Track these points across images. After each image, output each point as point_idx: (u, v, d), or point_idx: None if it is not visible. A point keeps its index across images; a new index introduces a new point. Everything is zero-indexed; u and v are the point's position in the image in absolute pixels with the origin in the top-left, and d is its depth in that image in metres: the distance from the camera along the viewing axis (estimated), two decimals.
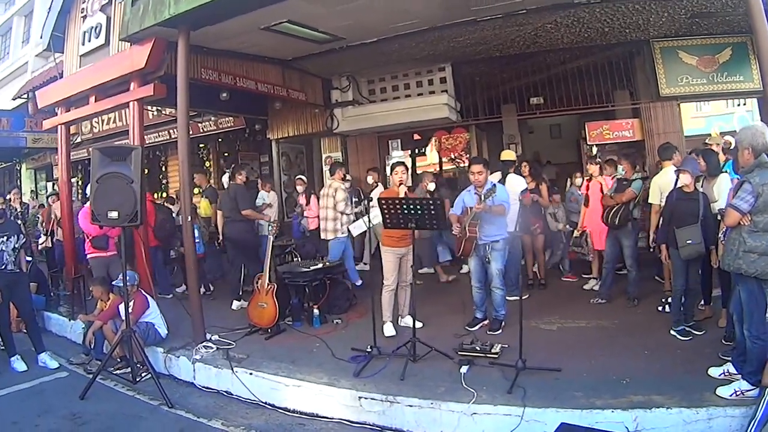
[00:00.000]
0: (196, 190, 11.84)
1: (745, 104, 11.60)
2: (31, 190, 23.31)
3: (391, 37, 10.26)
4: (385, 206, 6.69)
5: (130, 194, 6.73)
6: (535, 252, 9.91)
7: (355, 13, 8.69)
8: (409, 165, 15.01)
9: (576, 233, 9.61)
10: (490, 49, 11.65)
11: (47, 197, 12.96)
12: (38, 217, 13.04)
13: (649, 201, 8.15)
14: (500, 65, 12.91)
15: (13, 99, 19.61)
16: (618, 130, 12.30)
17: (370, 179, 11.36)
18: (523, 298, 7.28)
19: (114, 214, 6.75)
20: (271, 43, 9.98)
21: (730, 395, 5.06)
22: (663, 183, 7.71)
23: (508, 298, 7.80)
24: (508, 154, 9.42)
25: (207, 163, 17.91)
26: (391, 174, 7.88)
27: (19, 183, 23.38)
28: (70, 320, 9.49)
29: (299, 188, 11.84)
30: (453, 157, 14.15)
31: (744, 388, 5.06)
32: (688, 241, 6.55)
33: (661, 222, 7.46)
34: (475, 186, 7.56)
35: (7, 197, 14.11)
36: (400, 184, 7.72)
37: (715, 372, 5.54)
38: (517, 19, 9.69)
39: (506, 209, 7.39)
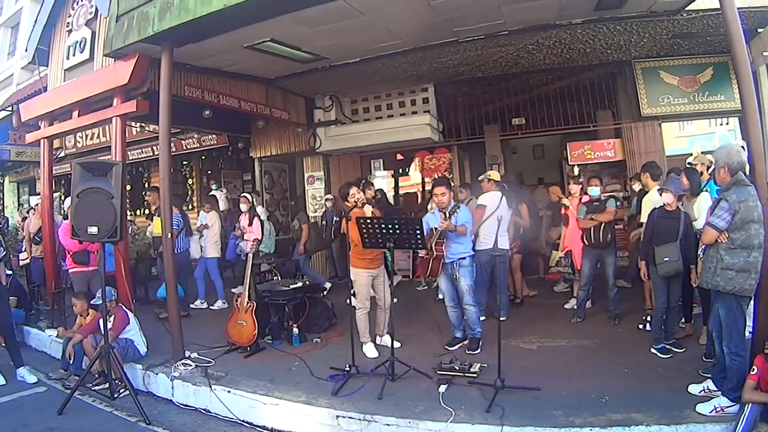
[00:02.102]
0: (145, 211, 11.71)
1: (727, 124, 11.65)
2: (13, 203, 23.18)
3: (374, 57, 10.28)
4: (363, 226, 6.70)
5: (110, 210, 6.71)
6: (511, 271, 9.93)
7: (338, 33, 8.71)
8: (393, 185, 15.10)
9: (560, 254, 9.66)
10: (472, 69, 11.73)
11: (27, 212, 12.82)
12: (19, 232, 12.87)
13: (642, 220, 8.19)
14: (482, 86, 12.98)
15: None
16: (600, 150, 12.38)
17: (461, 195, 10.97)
18: (502, 319, 7.30)
19: (94, 230, 6.72)
20: (255, 61, 10.00)
21: (710, 412, 5.10)
22: (656, 201, 7.73)
23: (502, 319, 7.85)
24: (493, 175, 9.46)
25: (190, 181, 17.88)
26: (346, 200, 7.96)
27: (1, 196, 23.19)
28: (47, 333, 9.48)
29: (243, 206, 11.29)
30: (436, 177, 14.09)
31: (724, 405, 5.11)
32: (665, 259, 6.64)
33: (642, 239, 7.49)
34: (439, 208, 7.64)
35: None
36: (364, 204, 7.80)
37: (695, 389, 5.58)
38: (499, 40, 9.75)
39: (468, 230, 7.45)
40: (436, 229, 7.40)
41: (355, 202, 7.81)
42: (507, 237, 8.68)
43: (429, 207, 10.58)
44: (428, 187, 14.43)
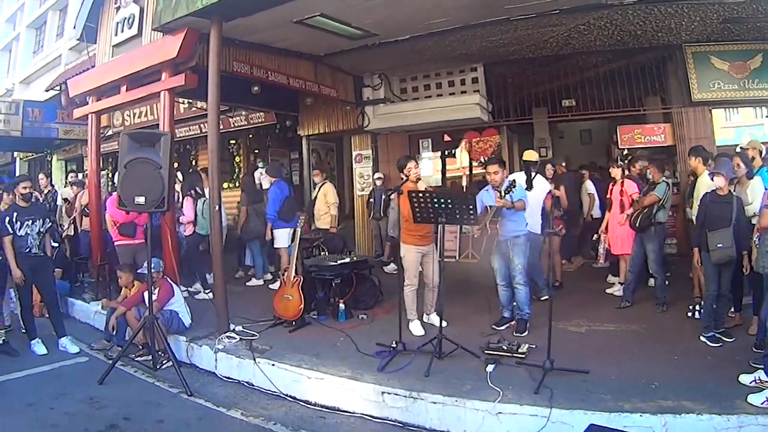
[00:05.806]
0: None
1: None
2: (61, 180, 23.44)
3: (424, 34, 10.18)
4: (414, 200, 6.64)
5: (157, 180, 6.74)
6: (551, 253, 9.75)
7: (387, 8, 8.65)
8: (440, 167, 15.01)
9: (595, 237, 9.63)
10: (522, 49, 11.58)
11: (68, 186, 12.89)
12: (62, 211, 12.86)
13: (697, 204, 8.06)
14: (532, 67, 12.85)
15: (46, 90, 19.77)
16: (649, 134, 12.21)
17: None
18: (543, 299, 7.43)
19: (141, 200, 6.76)
20: (303, 37, 9.97)
21: (762, 403, 4.94)
22: (709, 185, 7.54)
23: (543, 299, 7.82)
24: (530, 155, 9.34)
25: (237, 158, 18.00)
26: (402, 172, 7.77)
27: (50, 173, 23.55)
28: (90, 303, 9.71)
29: (177, 186, 10.81)
30: (483, 160, 13.93)
31: None
32: (718, 245, 6.44)
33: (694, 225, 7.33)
34: (492, 186, 7.52)
35: (39, 180, 14.05)
36: (418, 180, 7.74)
37: (746, 379, 5.42)
38: (550, 19, 9.60)
39: (525, 203, 7.35)
40: (490, 206, 7.28)
41: (408, 177, 7.68)
42: (536, 219, 8.50)
43: None
44: (476, 171, 14.32)
